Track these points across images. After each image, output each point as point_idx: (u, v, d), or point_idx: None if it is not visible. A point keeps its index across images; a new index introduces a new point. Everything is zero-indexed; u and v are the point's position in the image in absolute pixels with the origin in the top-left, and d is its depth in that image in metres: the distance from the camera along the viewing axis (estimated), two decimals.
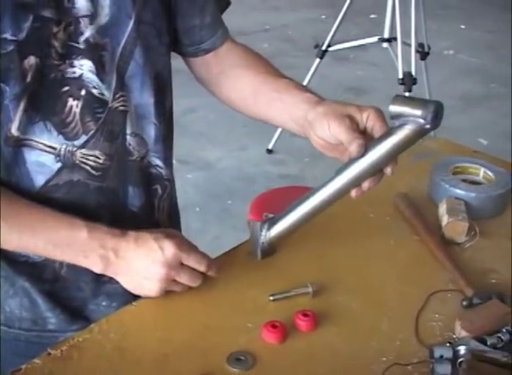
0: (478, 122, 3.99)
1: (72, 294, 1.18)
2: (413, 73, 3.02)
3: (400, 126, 1.03)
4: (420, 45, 3.26)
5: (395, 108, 1.03)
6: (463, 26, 5.54)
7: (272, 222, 1.16)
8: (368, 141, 1.05)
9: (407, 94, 3.03)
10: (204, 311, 1.08)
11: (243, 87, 1.24)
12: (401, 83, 3.02)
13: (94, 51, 1.07)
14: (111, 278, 1.10)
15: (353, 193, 1.07)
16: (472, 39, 5.30)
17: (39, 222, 1.05)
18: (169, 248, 1.04)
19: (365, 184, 1.06)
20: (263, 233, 1.16)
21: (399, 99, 1.04)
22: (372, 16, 5.30)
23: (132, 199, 1.18)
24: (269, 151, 3.61)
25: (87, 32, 1.06)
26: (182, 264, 1.05)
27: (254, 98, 1.22)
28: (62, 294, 1.17)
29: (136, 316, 1.06)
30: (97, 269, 1.06)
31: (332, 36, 3.30)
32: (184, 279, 1.06)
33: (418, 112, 1.01)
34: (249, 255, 1.19)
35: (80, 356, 0.97)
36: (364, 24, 5.03)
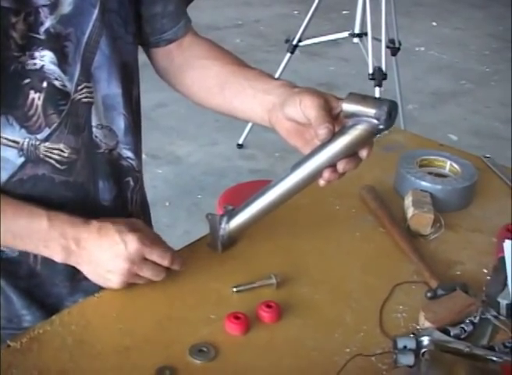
0: (448, 118, 4.03)
1: (48, 291, 1.16)
2: (383, 68, 3.03)
3: (353, 125, 1.01)
4: (391, 41, 3.28)
5: (348, 107, 1.01)
6: (434, 23, 5.58)
7: (231, 215, 1.15)
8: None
9: (377, 89, 3.04)
10: (166, 303, 1.07)
11: (208, 77, 1.23)
12: (371, 79, 3.02)
13: (56, 42, 1.04)
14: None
15: (326, 175, 1.04)
16: (443, 36, 5.34)
17: None
18: (132, 243, 1.02)
19: (340, 166, 1.03)
20: (222, 226, 1.15)
21: (352, 98, 1.01)
22: (344, 11, 5.32)
23: (103, 193, 1.16)
24: (240, 146, 3.60)
25: (48, 22, 1.03)
26: (145, 259, 1.04)
27: (221, 88, 1.20)
28: (38, 290, 1.16)
29: (99, 307, 1.04)
30: (58, 258, 1.05)
31: (303, 31, 3.30)
32: (147, 274, 1.05)
33: (371, 112, 0.99)
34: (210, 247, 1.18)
35: (40, 348, 0.96)
36: (337, 20, 5.05)
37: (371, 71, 3.03)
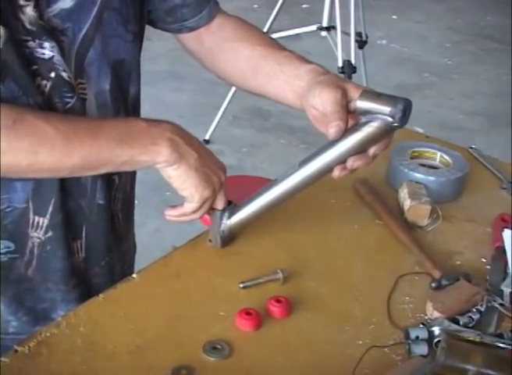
0: (413, 110, 4.00)
1: (40, 296, 1.13)
2: (352, 61, 3.05)
3: (367, 122, 1.01)
4: (358, 34, 3.30)
5: (362, 104, 1.01)
6: (394, 17, 5.62)
7: (233, 210, 1.14)
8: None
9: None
10: (173, 301, 1.05)
11: (239, 61, 1.21)
12: (341, 72, 3.03)
13: (53, 35, 1.02)
14: (81, 281, 1.09)
15: (336, 172, 1.05)
16: (404, 29, 5.38)
17: (93, 125, 1.01)
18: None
19: (349, 163, 1.04)
20: (223, 221, 1.14)
21: (367, 95, 1.02)
22: (304, 5, 5.33)
23: (99, 192, 1.15)
24: (206, 142, 3.57)
25: (45, 15, 1.00)
26: None
27: (253, 72, 1.19)
28: (28, 295, 1.13)
29: (105, 307, 1.03)
30: (166, 152, 1.02)
31: (270, 25, 3.30)
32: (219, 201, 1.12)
33: (386, 110, 0.99)
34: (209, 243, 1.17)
35: (50, 352, 0.93)
36: (297, 14, 5.05)
37: (340, 64, 3.04)
